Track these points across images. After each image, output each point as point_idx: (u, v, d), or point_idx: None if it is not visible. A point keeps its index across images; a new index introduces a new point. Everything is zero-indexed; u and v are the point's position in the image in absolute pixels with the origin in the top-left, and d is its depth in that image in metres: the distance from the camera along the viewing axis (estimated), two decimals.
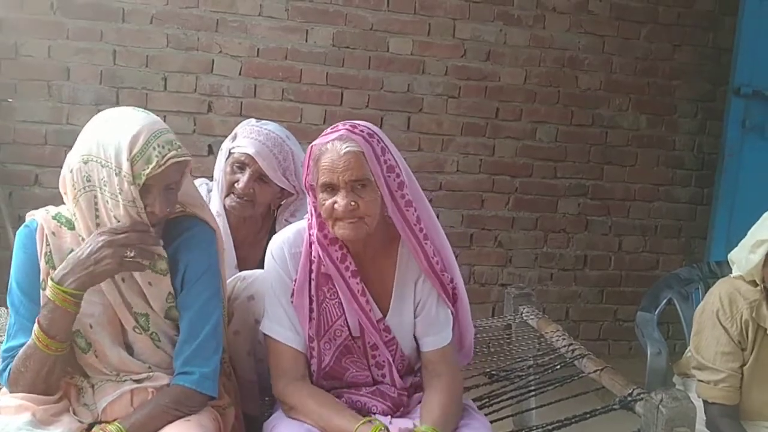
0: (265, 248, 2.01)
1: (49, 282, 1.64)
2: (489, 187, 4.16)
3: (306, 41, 3.84)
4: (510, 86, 4.10)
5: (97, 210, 1.65)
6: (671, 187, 4.34)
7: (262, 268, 2.06)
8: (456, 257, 4.21)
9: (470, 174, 4.13)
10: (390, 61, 3.94)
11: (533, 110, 4.14)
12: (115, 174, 1.61)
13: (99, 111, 3.47)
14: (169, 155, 1.65)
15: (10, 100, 3.58)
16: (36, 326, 1.64)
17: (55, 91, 3.62)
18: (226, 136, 3.73)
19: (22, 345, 1.69)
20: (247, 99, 3.82)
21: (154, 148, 1.63)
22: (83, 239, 1.68)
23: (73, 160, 1.67)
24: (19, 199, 3.62)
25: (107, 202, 1.63)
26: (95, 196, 1.64)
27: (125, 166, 1.60)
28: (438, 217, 4.06)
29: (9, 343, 1.73)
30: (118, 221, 1.65)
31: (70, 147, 3.64)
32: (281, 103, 3.86)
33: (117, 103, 3.66)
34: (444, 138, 4.07)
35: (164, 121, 3.69)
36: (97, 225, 1.66)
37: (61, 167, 3.65)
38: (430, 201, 4.11)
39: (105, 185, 1.62)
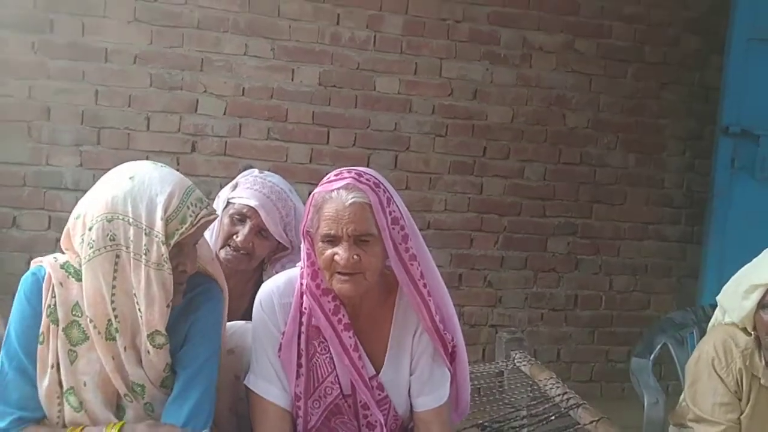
0: (251, 300, 1.93)
1: None
2: (477, 225, 4.12)
3: (292, 80, 3.80)
4: (497, 125, 4.07)
5: (116, 270, 1.57)
6: (661, 226, 4.31)
7: (246, 319, 1.98)
8: None
9: (458, 213, 4.08)
10: (377, 100, 3.90)
11: (521, 148, 4.12)
12: (145, 234, 1.55)
13: (80, 152, 3.55)
14: (201, 214, 1.61)
15: None
16: None
17: (35, 131, 3.55)
18: (210, 176, 3.75)
19: (24, 418, 1.63)
20: (231, 138, 3.76)
21: (188, 207, 1.59)
22: (84, 298, 1.61)
23: (90, 217, 1.58)
24: None
25: (130, 262, 1.56)
26: (117, 256, 1.57)
27: (159, 225, 1.55)
28: None
29: (8, 408, 1.64)
30: (134, 285, 1.58)
31: (50, 189, 3.61)
32: (266, 143, 3.80)
33: (98, 144, 3.60)
34: (431, 176, 4.03)
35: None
36: (113, 287, 1.58)
37: (41, 209, 3.57)
38: None
39: (132, 244, 1.56)
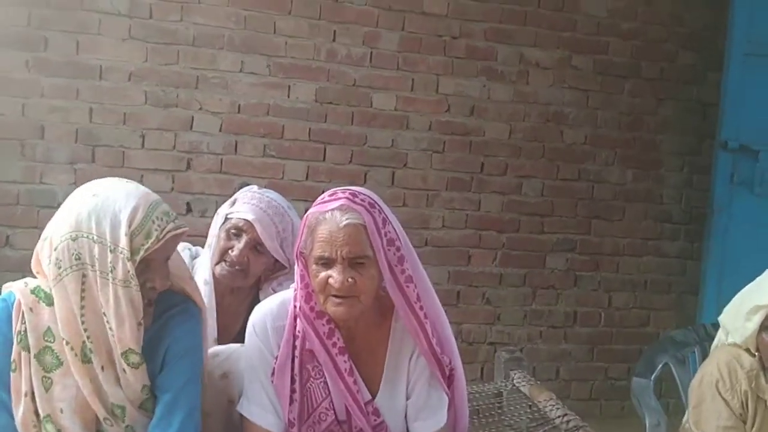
0: (246, 319, 1.90)
1: None
2: (476, 242, 4.08)
3: (288, 97, 3.78)
4: (494, 141, 4.05)
5: (83, 290, 1.54)
6: (660, 242, 4.28)
7: (242, 339, 1.95)
8: None
9: (456, 229, 4.05)
10: (373, 117, 3.88)
11: (519, 165, 4.09)
12: (110, 251, 1.52)
13: (74, 170, 3.51)
14: (167, 228, 1.57)
15: None
16: None
17: (28, 150, 3.52)
18: (204, 194, 3.73)
19: None
20: (227, 156, 3.74)
21: (153, 222, 1.55)
22: (57, 320, 1.57)
23: (56, 237, 1.55)
24: None
25: (96, 280, 1.53)
26: (84, 275, 1.54)
27: (123, 241, 1.51)
28: None
29: None
30: (102, 304, 1.54)
31: (44, 207, 3.57)
32: (263, 160, 3.77)
33: (93, 162, 3.57)
34: (429, 193, 4.00)
35: (141, 179, 3.68)
36: (82, 307, 1.55)
37: (34, 228, 3.54)
38: None
39: (97, 263, 1.52)
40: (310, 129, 3.81)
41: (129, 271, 1.52)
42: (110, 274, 1.52)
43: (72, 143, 3.56)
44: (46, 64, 3.50)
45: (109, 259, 1.52)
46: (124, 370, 1.60)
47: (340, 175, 3.80)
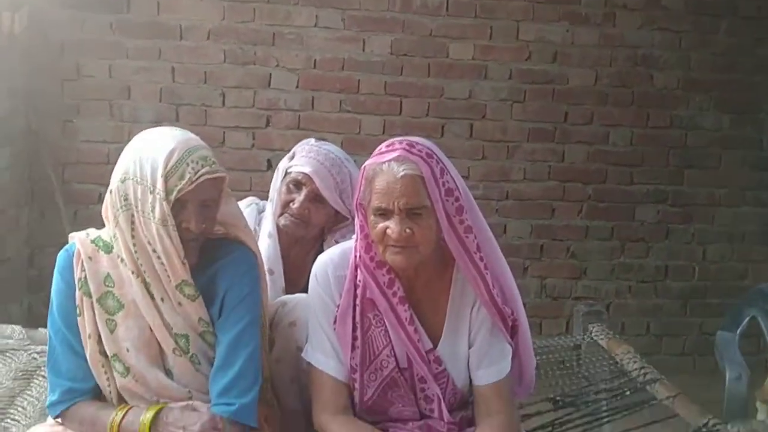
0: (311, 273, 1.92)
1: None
2: (560, 195, 3.97)
3: (363, 50, 3.75)
4: (579, 88, 3.90)
5: (133, 229, 1.63)
6: (759, 191, 4.04)
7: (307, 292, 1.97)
8: (526, 269, 4.02)
9: (539, 182, 3.95)
10: (450, 67, 3.80)
11: (605, 113, 3.93)
12: (150, 191, 1.60)
13: None
14: (201, 171, 1.62)
15: (74, 120, 3.63)
16: (115, 419, 1.67)
17: (116, 110, 3.66)
18: (284, 150, 3.73)
19: (73, 388, 1.70)
20: (304, 112, 3.76)
21: (188, 164, 1.61)
22: (122, 261, 1.66)
23: (112, 182, 1.66)
24: (84, 218, 3.65)
25: (140, 220, 1.61)
26: (132, 215, 1.62)
27: (159, 182, 1.59)
28: (505, 228, 3.91)
29: (59, 379, 1.72)
30: (150, 242, 1.62)
31: None
32: (339, 115, 3.78)
33: (177, 121, 3.67)
34: (509, 145, 3.91)
35: (223, 137, 3.75)
36: (134, 245, 1.63)
37: None
38: (496, 211, 3.93)
39: (139, 203, 1.61)
40: (385, 83, 3.78)
41: (165, 211, 1.59)
42: (151, 214, 1.60)
43: (156, 102, 3.68)
44: (129, 26, 3.61)
45: (149, 200, 1.60)
46: (180, 303, 1.67)
47: (416, 128, 3.76)
